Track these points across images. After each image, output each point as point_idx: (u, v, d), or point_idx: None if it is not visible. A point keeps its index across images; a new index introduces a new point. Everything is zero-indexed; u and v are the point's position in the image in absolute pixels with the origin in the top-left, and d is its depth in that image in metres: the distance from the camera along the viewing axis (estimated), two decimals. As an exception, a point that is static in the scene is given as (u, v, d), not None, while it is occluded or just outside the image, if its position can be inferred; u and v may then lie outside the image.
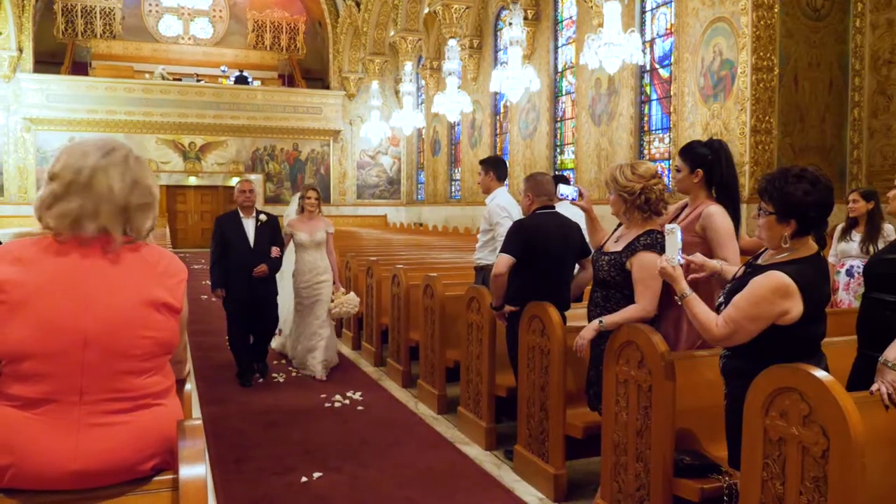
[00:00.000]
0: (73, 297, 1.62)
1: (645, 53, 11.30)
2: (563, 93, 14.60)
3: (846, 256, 5.24)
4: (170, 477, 1.73)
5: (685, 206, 3.29)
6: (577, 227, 3.94)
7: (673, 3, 10.90)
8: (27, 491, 1.63)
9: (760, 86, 8.94)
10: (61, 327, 1.60)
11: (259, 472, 3.86)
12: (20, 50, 19.20)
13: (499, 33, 16.43)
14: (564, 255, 3.87)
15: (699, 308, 2.42)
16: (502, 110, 17.05)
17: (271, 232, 5.70)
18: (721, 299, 2.45)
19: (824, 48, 9.08)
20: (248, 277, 5.49)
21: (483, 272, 4.90)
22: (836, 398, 1.95)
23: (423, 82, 20.96)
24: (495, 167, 5.08)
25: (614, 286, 3.07)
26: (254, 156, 21.69)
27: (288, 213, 6.67)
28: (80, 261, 1.65)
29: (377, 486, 3.67)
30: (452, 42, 14.46)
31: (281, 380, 5.88)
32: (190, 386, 2.16)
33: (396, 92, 21.03)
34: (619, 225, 3.22)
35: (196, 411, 4.85)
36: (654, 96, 11.82)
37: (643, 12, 11.93)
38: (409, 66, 17.78)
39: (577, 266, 4.03)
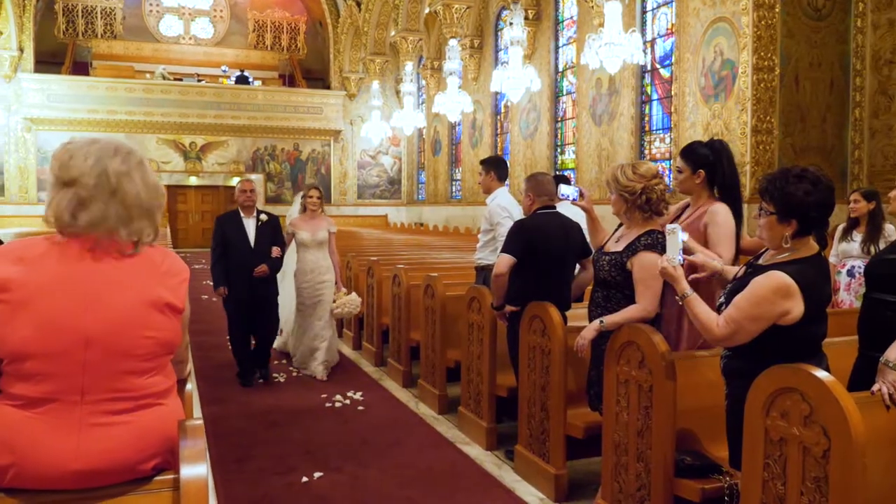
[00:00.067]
0: (75, 296, 1.62)
1: (646, 53, 11.30)
2: (564, 93, 14.60)
3: (847, 257, 5.24)
4: (171, 477, 1.73)
5: (686, 206, 3.29)
6: (577, 227, 3.94)
7: (674, 3, 10.90)
8: (29, 490, 1.63)
9: (761, 86, 8.94)
10: (63, 327, 1.60)
11: (260, 472, 3.86)
12: (21, 50, 19.22)
13: (499, 33, 16.42)
14: (565, 256, 3.87)
15: (700, 308, 2.42)
16: (503, 110, 17.05)
17: (272, 232, 5.69)
18: (722, 299, 2.45)
19: (825, 48, 9.07)
20: (248, 277, 5.49)
21: (484, 272, 4.90)
22: (837, 398, 1.95)
23: (423, 82, 20.96)
24: (496, 167, 5.07)
25: (615, 286, 3.07)
26: (254, 156, 21.70)
27: (291, 213, 6.67)
28: (82, 260, 1.66)
29: (378, 486, 3.67)
30: (453, 42, 14.46)
31: (282, 380, 5.88)
32: (191, 386, 2.17)
33: (397, 92, 21.03)
34: (620, 225, 3.22)
35: (197, 411, 4.85)
36: (654, 96, 11.82)
37: (644, 12, 11.93)
38: (409, 66, 17.78)
39: (577, 266, 4.04)
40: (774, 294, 2.22)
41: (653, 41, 11.74)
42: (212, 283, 5.91)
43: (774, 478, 2.13)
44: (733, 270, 2.70)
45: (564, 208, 4.19)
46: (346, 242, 11.05)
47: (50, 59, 20.44)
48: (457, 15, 15.19)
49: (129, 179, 1.70)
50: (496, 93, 15.63)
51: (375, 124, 20.05)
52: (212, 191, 21.69)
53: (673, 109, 10.89)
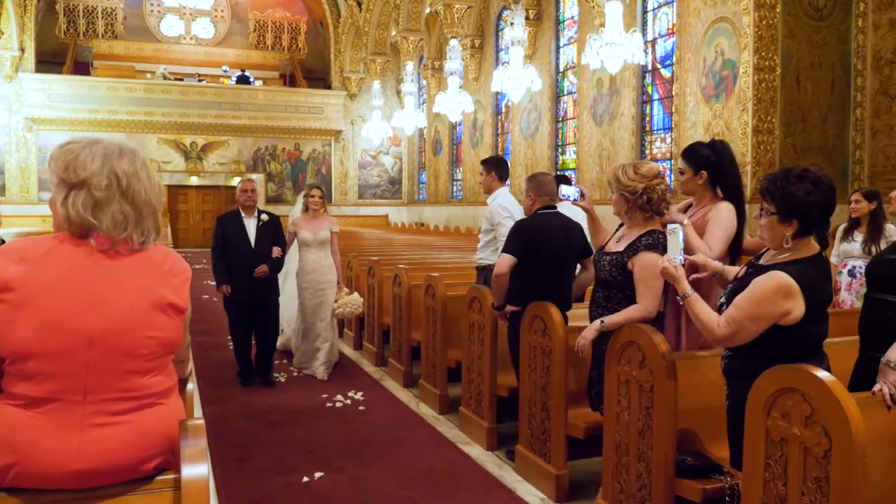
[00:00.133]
0: (78, 296, 1.62)
1: (646, 53, 11.29)
2: (565, 93, 14.60)
3: (848, 257, 5.23)
4: (172, 476, 1.73)
5: (689, 206, 3.29)
6: (578, 227, 3.94)
7: (675, 3, 10.89)
8: (30, 490, 1.63)
9: (762, 86, 8.93)
10: (66, 327, 1.60)
11: (260, 472, 3.86)
12: (22, 50, 19.23)
13: (500, 33, 16.42)
14: (566, 256, 3.87)
15: (701, 308, 2.42)
16: (504, 110, 17.04)
17: (273, 232, 5.68)
18: (723, 299, 2.45)
19: (826, 48, 9.07)
20: (249, 278, 5.49)
21: (485, 272, 4.90)
22: (838, 399, 1.95)
23: (424, 82, 20.97)
24: (497, 167, 5.07)
25: (616, 286, 3.07)
26: (255, 156, 21.71)
27: (293, 213, 6.67)
28: (85, 260, 1.66)
29: (378, 486, 3.67)
30: (454, 42, 14.46)
31: (282, 379, 5.88)
32: (192, 385, 2.17)
33: (398, 92, 21.04)
34: (621, 225, 3.22)
35: (198, 411, 4.85)
36: (655, 96, 11.82)
37: (645, 12, 11.92)
38: (410, 66, 17.79)
39: (578, 266, 4.04)
40: (775, 294, 2.22)
41: (654, 41, 11.73)
42: (212, 283, 5.91)
43: (775, 478, 2.13)
44: (734, 270, 2.70)
45: (565, 208, 4.20)
46: (347, 242, 11.05)
47: (51, 59, 20.46)
48: (458, 15, 15.18)
49: (137, 179, 1.72)
50: (497, 93, 15.62)
51: (376, 124, 20.06)
52: (213, 191, 21.70)
53: (674, 109, 10.89)
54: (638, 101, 11.95)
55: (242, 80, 21.88)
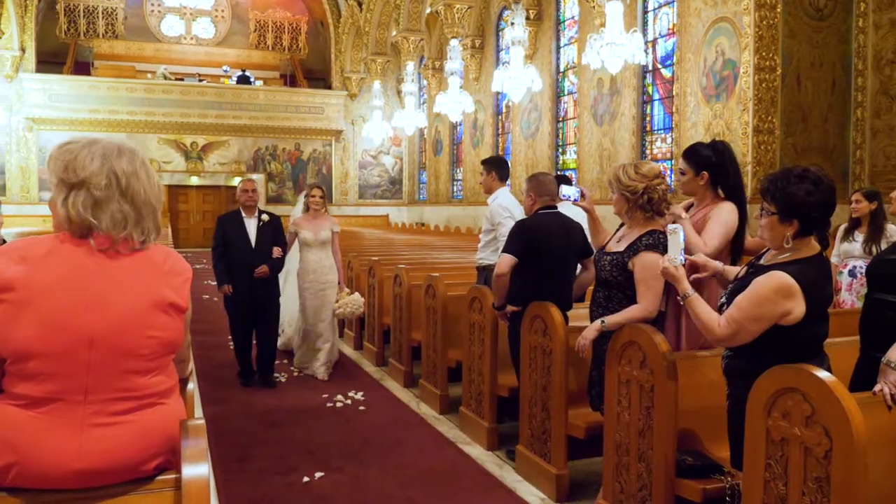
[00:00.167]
0: (79, 296, 1.62)
1: (647, 53, 11.29)
2: (565, 93, 14.60)
3: (849, 257, 5.23)
4: (172, 476, 1.73)
5: (690, 206, 3.29)
6: (579, 227, 3.94)
7: (675, 3, 10.89)
8: (31, 490, 1.63)
9: (763, 86, 8.93)
10: (67, 327, 1.60)
11: (261, 472, 3.86)
12: (23, 50, 19.24)
13: (501, 33, 16.42)
14: (566, 255, 3.87)
15: (701, 308, 2.42)
16: (504, 110, 17.04)
17: (273, 232, 5.68)
18: (723, 299, 2.45)
19: (827, 48, 9.06)
20: (249, 278, 5.49)
21: (485, 272, 4.90)
22: (838, 399, 1.95)
23: (424, 82, 20.96)
24: (497, 167, 5.07)
25: (616, 286, 3.08)
26: (256, 156, 21.71)
27: (294, 213, 6.66)
28: (86, 260, 1.66)
29: (379, 486, 3.67)
30: (454, 42, 14.45)
31: (283, 379, 5.88)
32: (192, 385, 2.17)
33: (398, 92, 21.04)
34: (622, 225, 3.22)
35: (198, 411, 4.85)
36: (656, 96, 11.81)
37: (645, 12, 11.92)
38: (410, 66, 17.79)
39: (579, 266, 4.04)
40: (776, 294, 2.22)
41: (654, 41, 11.73)
42: (212, 283, 5.91)
43: (776, 478, 2.13)
44: (734, 270, 2.70)
45: (566, 208, 4.20)
46: (347, 242, 11.05)
47: (51, 59, 20.46)
48: (458, 15, 15.18)
49: (137, 179, 1.72)
50: (497, 93, 15.62)
51: (377, 124, 20.06)
52: (213, 191, 21.71)
53: (674, 109, 10.89)
54: (638, 101, 11.95)
55: (243, 80, 21.88)
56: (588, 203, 3.53)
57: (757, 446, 2.18)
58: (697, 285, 2.58)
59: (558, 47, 14.70)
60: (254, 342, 5.82)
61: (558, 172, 13.33)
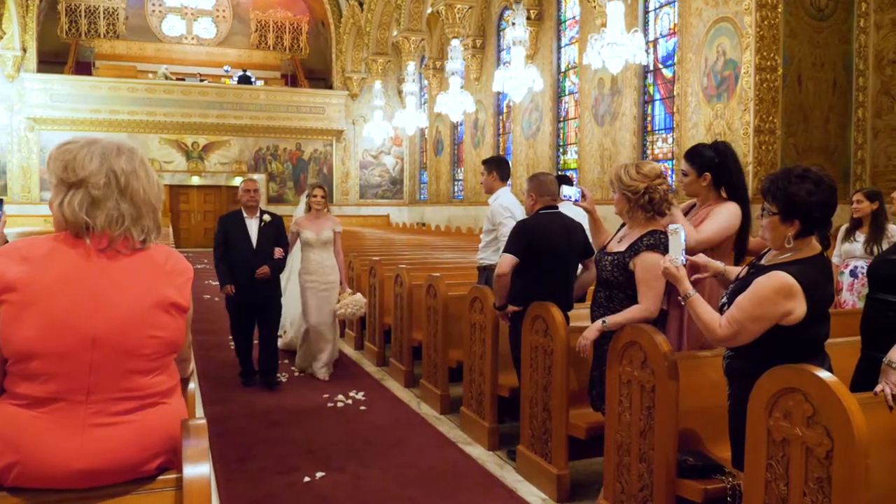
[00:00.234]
0: (81, 296, 1.62)
1: (648, 53, 11.28)
2: (567, 93, 14.60)
3: (850, 257, 5.23)
4: (174, 476, 1.73)
5: (692, 206, 3.30)
6: (580, 227, 3.94)
7: (676, 3, 10.89)
8: (32, 489, 1.63)
9: (764, 86, 8.92)
10: (69, 327, 1.60)
11: (262, 472, 3.86)
12: (24, 50, 19.25)
13: (502, 33, 16.42)
14: (567, 256, 3.87)
15: (702, 308, 2.42)
16: (505, 110, 17.04)
17: (275, 232, 5.67)
18: (724, 300, 2.45)
19: (828, 48, 9.06)
20: (250, 278, 5.48)
21: (486, 272, 4.90)
22: (840, 399, 1.95)
23: (425, 82, 20.97)
24: (498, 167, 5.07)
25: (617, 286, 3.07)
26: (257, 155, 21.72)
27: (296, 213, 6.66)
28: (88, 260, 1.66)
29: (379, 486, 3.67)
30: (455, 42, 14.46)
31: (284, 379, 5.89)
32: (193, 385, 2.17)
33: (399, 92, 21.04)
34: (623, 225, 3.22)
35: (199, 410, 4.86)
36: (657, 96, 11.81)
37: (646, 12, 11.92)
38: (411, 66, 17.79)
39: (580, 266, 4.04)
40: (777, 294, 2.22)
41: (655, 41, 11.73)
42: (214, 283, 5.92)
43: (777, 478, 2.13)
44: (735, 270, 2.70)
45: (567, 208, 4.20)
46: (348, 242, 11.04)
47: (53, 58, 20.48)
48: (459, 15, 15.18)
49: (136, 178, 1.72)
50: (498, 93, 15.62)
51: (377, 124, 20.06)
52: (214, 191, 21.72)
53: (675, 109, 10.89)
54: (639, 101, 11.95)
55: (244, 80, 21.89)
56: (589, 203, 3.53)
57: (758, 446, 2.18)
58: (698, 285, 2.58)
59: (559, 47, 14.70)
60: (255, 342, 5.82)
61: (559, 172, 13.32)
